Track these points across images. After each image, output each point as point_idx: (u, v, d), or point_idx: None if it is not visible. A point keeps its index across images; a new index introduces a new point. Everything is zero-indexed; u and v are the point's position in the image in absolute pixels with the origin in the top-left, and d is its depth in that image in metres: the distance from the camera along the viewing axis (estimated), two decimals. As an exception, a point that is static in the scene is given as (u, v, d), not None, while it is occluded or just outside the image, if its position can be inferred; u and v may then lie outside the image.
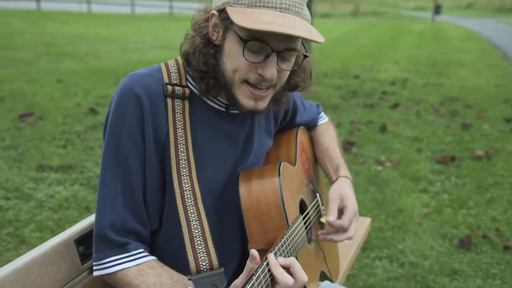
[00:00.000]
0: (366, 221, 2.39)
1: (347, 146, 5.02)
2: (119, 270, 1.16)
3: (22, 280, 1.14)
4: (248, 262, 1.02)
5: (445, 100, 7.45)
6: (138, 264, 1.17)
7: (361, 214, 3.41)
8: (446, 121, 6.25)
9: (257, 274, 1.01)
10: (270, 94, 1.21)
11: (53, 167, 4.08)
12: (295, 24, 1.08)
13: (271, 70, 1.13)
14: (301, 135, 1.59)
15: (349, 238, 1.42)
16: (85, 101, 6.33)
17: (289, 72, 1.21)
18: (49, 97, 6.37)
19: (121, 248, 1.17)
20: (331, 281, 1.54)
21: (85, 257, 1.33)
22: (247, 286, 0.97)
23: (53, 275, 1.23)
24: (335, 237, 1.42)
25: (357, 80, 8.99)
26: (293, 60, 1.20)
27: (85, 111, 5.82)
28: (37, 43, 11.59)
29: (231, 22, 1.12)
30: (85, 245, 1.32)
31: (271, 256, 1.07)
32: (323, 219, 1.45)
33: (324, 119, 1.74)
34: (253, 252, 1.01)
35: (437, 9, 32.79)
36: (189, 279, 1.09)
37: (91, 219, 1.37)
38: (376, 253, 3.10)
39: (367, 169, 4.47)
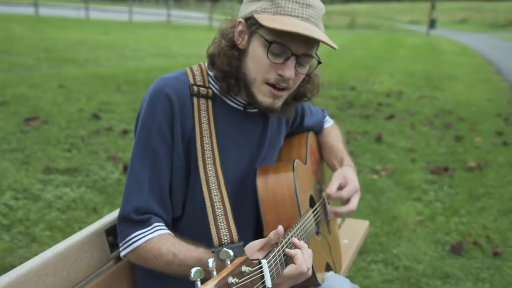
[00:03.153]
0: (364, 224, 2.51)
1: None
2: (144, 242, 1.30)
3: (62, 263, 1.27)
4: (271, 235, 1.16)
5: (439, 112, 7.64)
6: (160, 234, 1.31)
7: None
8: (440, 133, 6.42)
9: (278, 248, 1.15)
10: (285, 95, 1.37)
11: (59, 170, 4.19)
12: (315, 31, 1.26)
13: (290, 71, 1.29)
14: (311, 139, 1.75)
15: (350, 211, 1.56)
16: (88, 106, 6.45)
17: (303, 76, 1.37)
18: (52, 102, 6.49)
19: (144, 223, 1.32)
20: (335, 272, 1.68)
21: (113, 246, 1.46)
22: (270, 254, 1.11)
23: (87, 261, 1.36)
24: (338, 209, 1.58)
25: (353, 91, 9.17)
26: (308, 66, 1.37)
27: (88, 116, 5.94)
28: (37, 49, 11.69)
29: (258, 28, 1.29)
30: (114, 235, 1.46)
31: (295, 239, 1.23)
32: (324, 193, 1.58)
33: (329, 123, 1.91)
34: (280, 228, 1.15)
35: (432, 23, 33.23)
36: (212, 251, 1.23)
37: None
38: (372, 257, 3.24)
39: (363, 178, 4.62)
